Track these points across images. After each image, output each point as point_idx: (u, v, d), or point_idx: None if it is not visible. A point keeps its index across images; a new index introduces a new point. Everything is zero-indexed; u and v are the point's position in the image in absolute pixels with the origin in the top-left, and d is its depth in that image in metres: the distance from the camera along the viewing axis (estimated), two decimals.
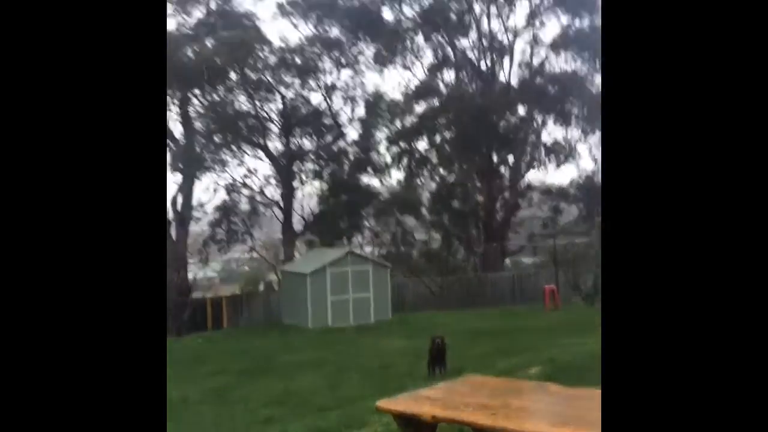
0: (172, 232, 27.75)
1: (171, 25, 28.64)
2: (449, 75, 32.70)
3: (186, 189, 28.39)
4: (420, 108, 31.52)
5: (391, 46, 30.98)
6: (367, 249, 30.64)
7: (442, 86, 32.23)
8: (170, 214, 27.70)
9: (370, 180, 31.68)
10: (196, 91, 28.95)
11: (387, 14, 31.51)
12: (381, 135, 31.73)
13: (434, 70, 32.31)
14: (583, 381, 5.49)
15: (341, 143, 31.69)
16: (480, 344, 13.84)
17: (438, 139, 31.19)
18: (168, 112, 28.31)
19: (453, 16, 30.85)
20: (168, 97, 27.94)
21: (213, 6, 29.91)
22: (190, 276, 27.50)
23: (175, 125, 28.95)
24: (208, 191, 29.70)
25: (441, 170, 31.68)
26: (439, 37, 31.73)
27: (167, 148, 27.56)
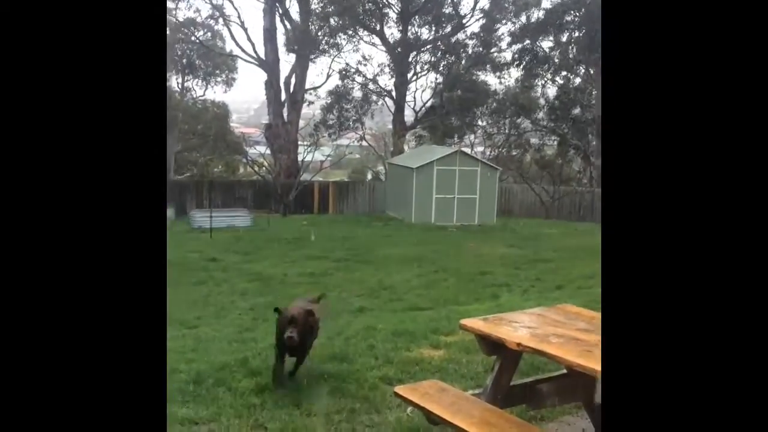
0: (285, 113, 28.13)
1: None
2: None
3: (299, 71, 28.39)
4: (548, 3, 29.43)
5: None
6: (478, 149, 29.92)
7: None
8: (283, 96, 27.99)
9: (487, 77, 30.47)
10: None
11: None
12: (504, 30, 30.10)
13: None
14: None
15: (460, 35, 30.38)
16: (584, 263, 13.23)
17: (564, 38, 29.18)
18: None
19: None
20: None
21: None
22: (299, 158, 27.98)
23: (291, 4, 28.68)
24: (322, 75, 29.74)
25: (564, 73, 29.85)
26: None
27: (277, 33, 27.45)
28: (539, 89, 30.49)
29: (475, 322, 4.04)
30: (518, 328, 3.89)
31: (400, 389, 3.98)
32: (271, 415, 4.44)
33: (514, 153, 29.72)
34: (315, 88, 29.56)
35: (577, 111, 28.83)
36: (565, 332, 3.73)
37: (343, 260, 15.45)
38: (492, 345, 3.89)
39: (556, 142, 29.45)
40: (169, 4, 27.48)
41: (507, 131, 30.14)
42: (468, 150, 26.65)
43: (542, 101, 30.14)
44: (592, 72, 29.03)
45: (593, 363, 3.27)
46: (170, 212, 22.05)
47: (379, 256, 15.85)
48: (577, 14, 28.08)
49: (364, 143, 31.48)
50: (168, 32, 27.67)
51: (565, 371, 4.23)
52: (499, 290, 11.38)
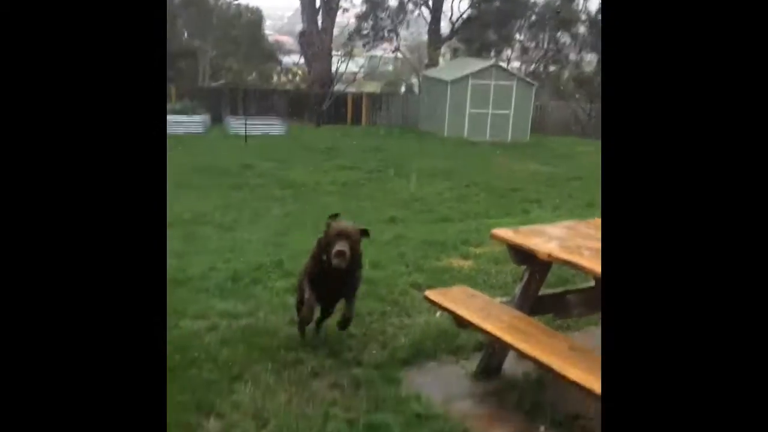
0: (319, 20, 27.60)
1: None
2: None
3: None
4: None
5: None
6: (515, 64, 29.18)
7: None
8: (318, 2, 27.37)
9: None
10: None
11: None
12: None
13: None
14: None
15: None
16: None
17: None
18: None
19: None
20: None
21: None
22: (333, 68, 27.65)
23: None
24: None
25: None
26: None
27: None
28: (580, 2, 29.31)
29: (506, 232, 4.14)
30: (549, 239, 3.98)
31: (430, 293, 4.13)
32: None
33: (551, 69, 28.90)
34: None
35: None
36: (594, 245, 3.81)
37: (375, 171, 15.56)
38: (522, 255, 3.99)
39: (595, 59, 28.55)
40: None
41: (545, 46, 29.24)
42: (504, 64, 25.99)
43: (583, 15, 28.99)
44: None
45: None
46: (206, 118, 22.20)
47: (412, 168, 15.92)
48: None
49: (398, 54, 30.89)
50: None
51: (592, 284, 4.34)
52: (530, 206, 11.44)
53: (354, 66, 28.62)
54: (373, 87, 30.39)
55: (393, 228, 8.75)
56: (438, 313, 4.60)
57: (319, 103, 24.92)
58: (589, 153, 18.67)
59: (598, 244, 3.83)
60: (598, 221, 4.41)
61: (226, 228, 9.32)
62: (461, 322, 3.90)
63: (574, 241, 3.94)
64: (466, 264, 6.11)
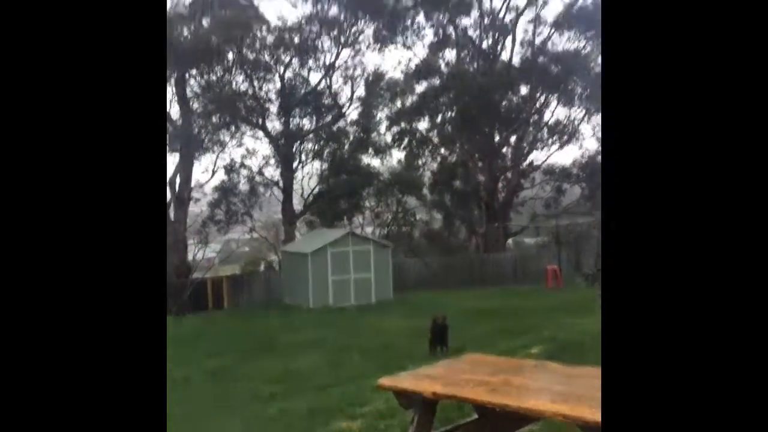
0: (171, 212, 27.70)
1: (167, 4, 28.39)
2: (450, 54, 32.39)
3: (184, 169, 28.28)
4: (421, 87, 31.27)
5: (391, 24, 30.62)
6: (368, 229, 30.58)
7: (443, 65, 31.93)
8: (168, 195, 27.62)
9: (370, 160, 31.54)
10: (193, 71, 28.71)
11: None
12: (381, 115, 31.52)
13: (435, 49, 31.95)
14: (584, 360, 5.46)
15: (341, 123, 31.48)
16: (481, 324, 13.83)
17: (439, 118, 30.98)
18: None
19: None
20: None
21: None
22: (189, 257, 27.48)
23: (172, 106, 28.80)
24: (207, 172, 29.62)
25: (442, 150, 31.52)
26: (441, 16, 31.35)
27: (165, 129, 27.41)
28: (421, 168, 31.89)
29: (392, 380, 4.29)
30: (431, 380, 4.16)
31: None
32: None
33: (403, 229, 30.61)
34: (201, 186, 29.46)
35: (457, 184, 30.34)
36: (472, 377, 4.04)
37: (245, 352, 15.19)
38: (409, 398, 4.12)
39: (441, 215, 30.71)
40: None
41: (394, 209, 31.12)
42: (358, 230, 27.17)
43: (425, 178, 31.48)
44: (466, 147, 30.80)
45: (503, 399, 3.57)
46: None
47: (282, 343, 15.72)
48: (450, 96, 30.00)
49: (254, 235, 31.40)
50: None
51: (476, 416, 4.51)
52: (404, 361, 11.59)
53: (210, 251, 28.59)
54: (232, 270, 30.33)
55: (275, 403, 8.53)
56: None
57: (179, 294, 24.37)
58: (449, 303, 19.45)
59: (478, 377, 4.06)
60: (471, 356, 4.68)
61: None
62: None
63: (455, 377, 4.14)
64: (355, 425, 6.08)
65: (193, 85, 29.49)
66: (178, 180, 28.17)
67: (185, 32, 27.79)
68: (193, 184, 28.90)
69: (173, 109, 28.81)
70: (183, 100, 28.72)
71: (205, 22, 28.53)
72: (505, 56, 31.80)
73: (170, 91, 28.34)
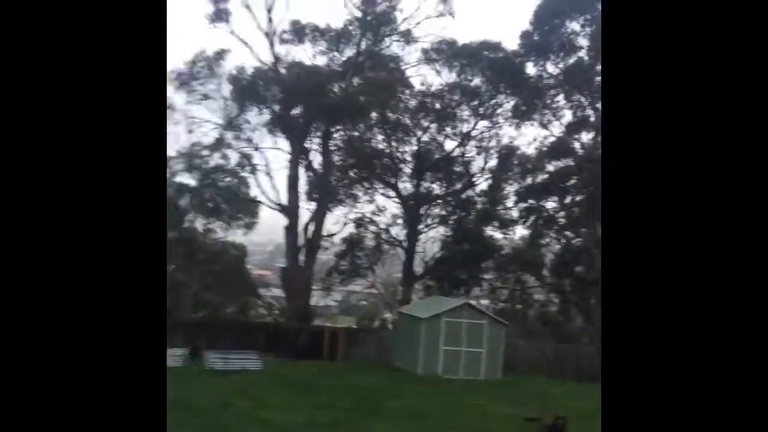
0: (301, 258, 29.12)
1: (322, 60, 30.46)
2: (586, 136, 32.25)
3: (318, 218, 29.77)
4: (552, 166, 31.23)
5: (530, 101, 30.96)
6: (483, 301, 30.60)
7: (578, 146, 31.81)
8: (301, 241, 29.10)
9: (494, 232, 31.73)
10: (338, 126, 30.31)
11: (530, 69, 31.50)
12: (510, 189, 31.74)
13: (572, 129, 31.92)
14: None
15: (470, 192, 31.97)
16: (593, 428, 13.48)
17: (568, 200, 30.75)
18: (309, 143, 29.99)
19: (597, 78, 30.44)
20: (312, 130, 29.61)
21: (363, 46, 31.34)
22: (311, 302, 28.70)
23: (315, 156, 30.57)
24: (338, 223, 30.92)
25: (567, 233, 31.18)
26: (581, 98, 31.37)
27: (299, 181, 28.97)
28: (544, 247, 31.64)
29: None
30: None
31: None
32: None
33: (518, 307, 30.33)
34: (331, 235, 30.78)
35: (579, 269, 29.81)
36: None
37: (351, 410, 15.71)
38: None
39: (558, 300, 30.18)
40: (204, 152, 29.36)
41: (512, 286, 30.96)
42: (474, 302, 27.31)
43: (546, 259, 31.16)
44: (593, 232, 30.25)
45: None
46: (184, 351, 22.46)
47: (387, 408, 16.10)
48: (581, 177, 29.75)
49: (373, 290, 32.25)
50: (199, 176, 29.42)
51: None
52: None
53: (331, 300, 29.65)
54: (348, 321, 31.24)
55: None
56: None
57: (296, 338, 25.44)
58: (562, 396, 18.98)
59: None
60: None
61: None
62: None
63: None
64: None
65: (336, 138, 31.09)
66: (311, 227, 29.64)
67: (336, 89, 29.53)
68: (324, 232, 30.30)
69: (316, 160, 30.58)
70: (326, 152, 30.39)
71: (355, 81, 30.14)
72: None
73: (316, 142, 30.15)
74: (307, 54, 30.90)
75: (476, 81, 31.53)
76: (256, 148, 30.42)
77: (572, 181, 30.31)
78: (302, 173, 30.29)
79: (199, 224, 29.88)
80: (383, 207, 31.67)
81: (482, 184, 32.16)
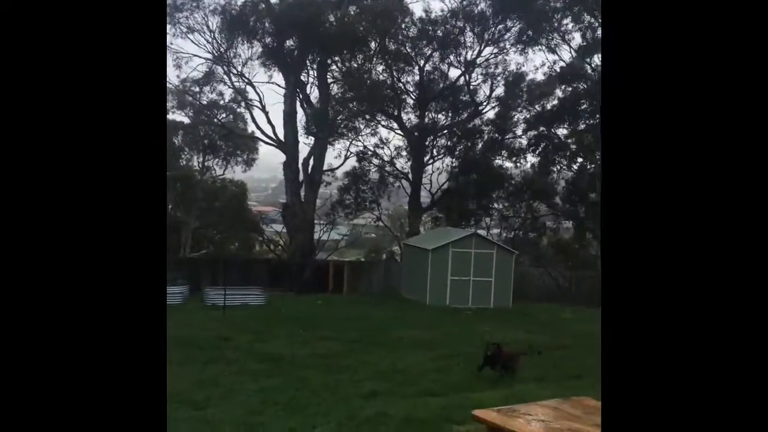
0: (302, 193, 28.47)
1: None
2: (598, 59, 30.81)
3: (318, 153, 28.90)
4: (563, 92, 29.96)
5: (537, 25, 29.54)
6: (494, 231, 29.92)
7: (589, 70, 30.41)
8: (301, 176, 28.38)
9: (503, 162, 30.79)
10: (335, 58, 29.17)
11: None
12: (519, 117, 30.61)
13: (582, 53, 30.48)
14: None
15: (477, 121, 30.93)
16: None
17: (580, 126, 29.57)
18: (305, 77, 28.91)
19: None
20: (307, 62, 28.44)
21: None
22: (315, 237, 28.10)
23: (311, 89, 29.48)
24: (340, 157, 30.11)
25: (580, 159, 30.08)
26: (590, 19, 29.84)
27: (297, 116, 28.11)
28: (555, 174, 30.70)
29: (487, 413, 3.93)
30: (532, 421, 3.77)
31: None
32: None
33: (530, 236, 29.63)
34: (333, 170, 30.00)
35: (593, 196, 28.87)
36: (581, 427, 3.61)
37: (355, 341, 15.26)
38: None
39: (572, 226, 29.37)
40: (194, 88, 28.36)
41: (523, 215, 30.20)
42: (483, 232, 26.61)
43: (558, 186, 30.28)
44: None
45: None
46: (184, 289, 22.06)
47: (393, 337, 15.63)
48: (593, 103, 28.55)
49: (380, 224, 31.66)
50: (191, 114, 28.48)
51: None
52: (515, 382, 11.10)
53: (336, 234, 29.14)
54: (354, 255, 30.80)
55: (374, 403, 8.39)
56: None
57: (301, 272, 25.02)
58: (573, 320, 18.57)
59: (584, 427, 3.63)
60: (585, 400, 4.22)
61: (198, 407, 8.88)
62: None
63: (559, 423, 3.73)
64: None
65: (334, 70, 29.97)
66: (311, 162, 28.84)
67: (331, 18, 28.23)
68: (325, 167, 29.51)
69: (312, 93, 29.50)
70: (323, 85, 29.31)
71: (351, 10, 28.85)
72: None
73: (311, 74, 29.03)
74: None
75: (480, 6, 30.10)
76: (250, 83, 29.22)
77: (584, 106, 29.10)
78: (299, 108, 29.23)
79: (195, 162, 29.11)
80: (386, 139, 30.78)
81: (489, 112, 31.04)
